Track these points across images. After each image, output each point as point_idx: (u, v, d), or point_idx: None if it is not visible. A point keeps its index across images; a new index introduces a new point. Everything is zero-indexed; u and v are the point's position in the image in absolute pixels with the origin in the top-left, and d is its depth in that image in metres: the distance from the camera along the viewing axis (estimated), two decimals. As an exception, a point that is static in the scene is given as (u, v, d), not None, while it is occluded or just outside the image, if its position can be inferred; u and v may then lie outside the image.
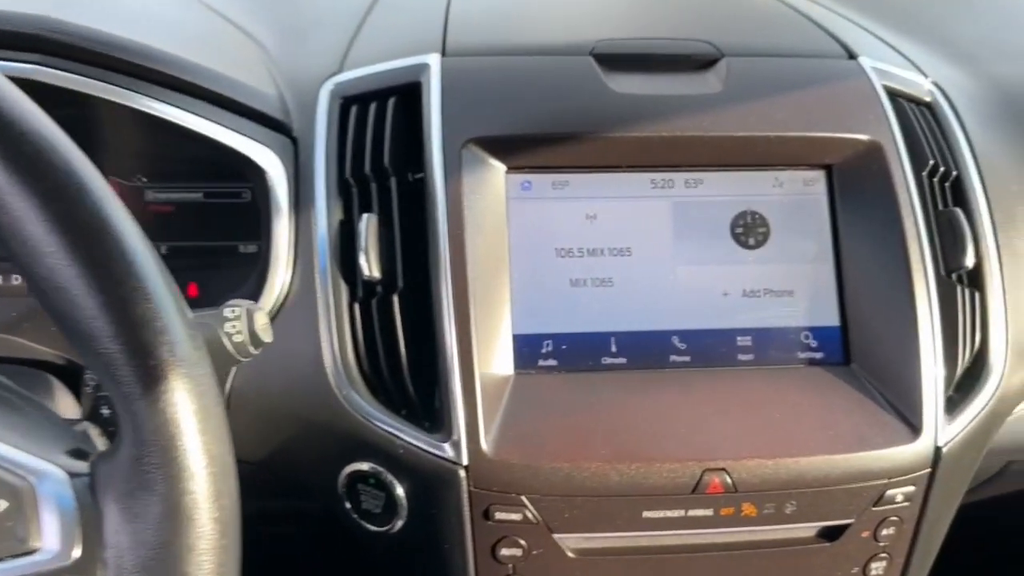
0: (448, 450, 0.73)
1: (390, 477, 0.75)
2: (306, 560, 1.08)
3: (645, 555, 0.77)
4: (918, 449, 0.76)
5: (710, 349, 0.78)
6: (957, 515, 0.91)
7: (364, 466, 0.76)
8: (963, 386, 0.80)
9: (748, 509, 0.75)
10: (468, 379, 0.73)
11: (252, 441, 0.76)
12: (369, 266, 0.76)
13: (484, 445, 0.73)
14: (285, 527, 1.01)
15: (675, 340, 0.78)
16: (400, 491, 0.76)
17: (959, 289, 0.78)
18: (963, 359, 0.79)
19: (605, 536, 0.76)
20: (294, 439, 0.80)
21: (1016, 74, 0.96)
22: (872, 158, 0.80)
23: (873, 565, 0.80)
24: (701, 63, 0.83)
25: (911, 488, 0.77)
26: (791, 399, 0.78)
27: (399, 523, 0.77)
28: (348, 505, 0.78)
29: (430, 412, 0.72)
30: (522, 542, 0.75)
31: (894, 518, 0.78)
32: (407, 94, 0.80)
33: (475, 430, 0.73)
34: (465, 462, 0.73)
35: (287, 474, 0.83)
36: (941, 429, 0.75)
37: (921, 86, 0.89)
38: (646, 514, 0.75)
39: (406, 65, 0.80)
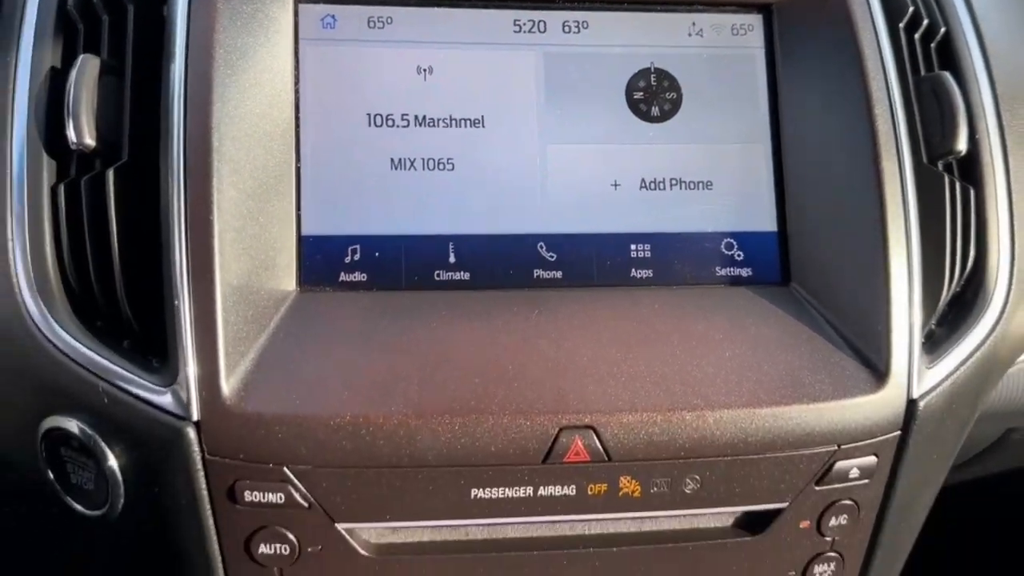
0: (170, 398, 0.49)
1: (96, 439, 0.51)
2: (20, 548, 0.85)
3: (477, 554, 0.53)
4: (884, 402, 0.53)
5: (591, 261, 0.59)
6: (937, 502, 0.67)
7: (64, 422, 0.51)
8: (950, 318, 0.58)
9: (628, 486, 0.52)
10: (203, 293, 0.49)
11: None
12: (78, 129, 0.51)
13: (224, 390, 0.49)
14: None
15: (541, 248, 0.59)
16: (112, 460, 0.51)
17: (947, 182, 0.60)
18: (951, 280, 0.61)
19: (416, 527, 0.52)
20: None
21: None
22: (828, -4, 0.56)
23: (817, 569, 0.56)
24: None
25: (871, 459, 0.54)
26: (699, 330, 0.54)
27: (118, 504, 0.52)
28: (51, 475, 0.53)
29: (162, 346, 0.51)
30: (290, 536, 0.51)
31: (846, 502, 0.55)
32: None
33: (212, 368, 0.49)
34: (195, 416, 0.49)
35: None
36: (917, 375, 0.52)
37: None
38: (476, 494, 0.51)
39: None
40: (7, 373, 0.54)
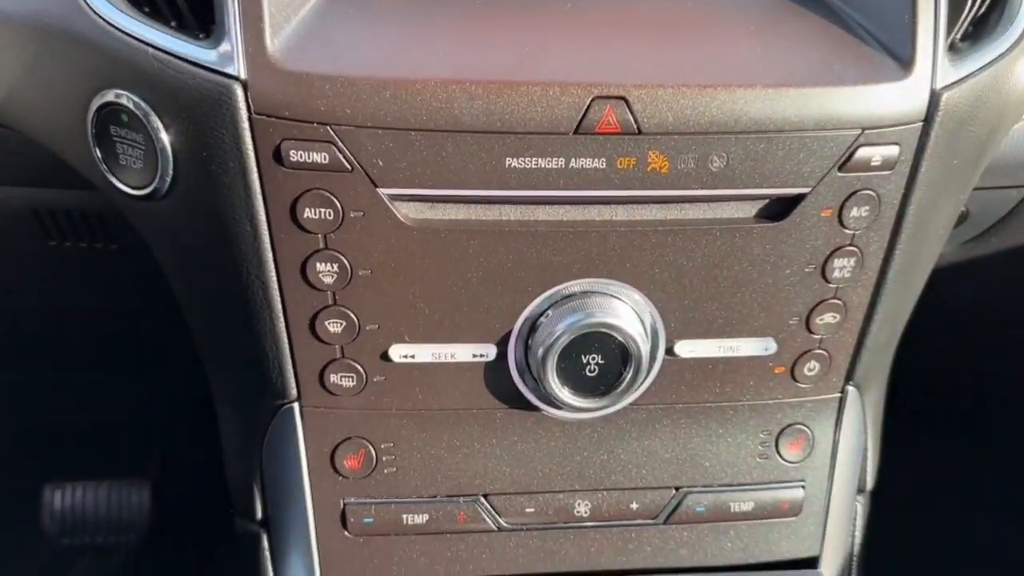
0: (216, 56, 0.51)
1: (145, 108, 0.53)
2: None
3: (511, 230, 0.55)
4: (908, 90, 0.54)
5: (623, -32, 0.56)
6: (957, 265, 0.69)
7: (115, 96, 0.53)
8: (973, 35, 0.58)
9: (656, 161, 0.53)
10: None
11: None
12: None
13: (269, 48, 0.50)
14: (72, 241, 0.80)
15: (574, -45, 0.55)
16: (162, 132, 0.53)
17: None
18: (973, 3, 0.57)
19: (453, 196, 0.54)
20: (32, 69, 0.58)
21: None
22: None
23: (836, 263, 0.58)
24: None
25: (893, 149, 0.55)
26: (731, 22, 0.55)
27: (167, 179, 0.54)
28: (99, 154, 0.55)
29: (207, 26, 0.53)
30: (334, 200, 0.53)
31: (868, 192, 0.56)
32: None
33: (257, 28, 0.50)
34: (242, 74, 0.51)
35: (31, 122, 0.62)
36: (940, 69, 0.52)
37: None
38: (510, 163, 0.52)
39: None
40: (61, 52, 0.55)
